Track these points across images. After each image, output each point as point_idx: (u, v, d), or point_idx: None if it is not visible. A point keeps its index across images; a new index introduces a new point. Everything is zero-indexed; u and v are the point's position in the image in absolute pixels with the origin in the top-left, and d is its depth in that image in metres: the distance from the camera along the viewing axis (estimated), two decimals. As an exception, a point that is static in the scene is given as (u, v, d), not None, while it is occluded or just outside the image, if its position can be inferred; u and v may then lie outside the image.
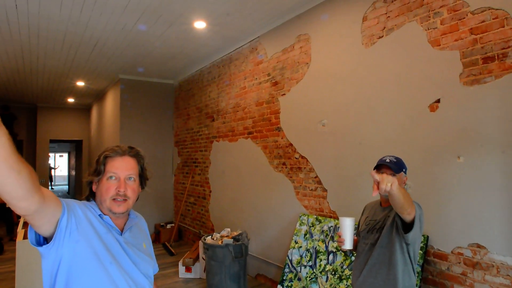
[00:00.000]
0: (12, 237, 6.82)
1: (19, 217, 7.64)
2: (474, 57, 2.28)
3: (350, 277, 2.84)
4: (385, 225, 1.79)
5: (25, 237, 3.81)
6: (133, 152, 1.29)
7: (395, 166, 1.80)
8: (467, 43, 2.32)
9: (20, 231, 4.08)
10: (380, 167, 1.83)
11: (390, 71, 2.84)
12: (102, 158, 1.24)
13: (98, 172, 1.23)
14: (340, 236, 1.80)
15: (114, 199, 1.20)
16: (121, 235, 1.24)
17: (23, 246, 3.54)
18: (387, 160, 1.83)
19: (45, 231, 1.03)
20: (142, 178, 1.31)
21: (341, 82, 3.28)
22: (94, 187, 1.26)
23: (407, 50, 2.70)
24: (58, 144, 16.42)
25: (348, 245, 1.78)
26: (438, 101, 2.50)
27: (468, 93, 2.32)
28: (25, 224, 4.61)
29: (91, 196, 1.29)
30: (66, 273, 1.06)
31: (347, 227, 1.78)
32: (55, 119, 10.18)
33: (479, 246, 2.23)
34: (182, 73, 6.42)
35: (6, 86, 7.30)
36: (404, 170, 1.84)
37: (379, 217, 1.88)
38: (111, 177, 1.22)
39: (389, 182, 1.40)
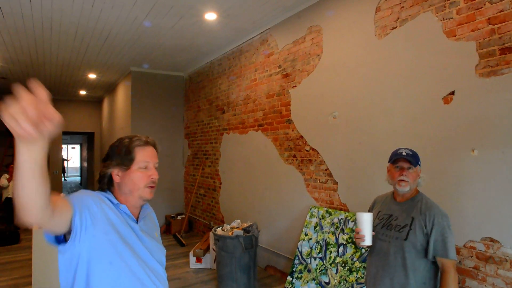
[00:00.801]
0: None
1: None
2: (491, 47, 2.23)
3: (360, 269, 2.85)
4: (410, 230, 1.67)
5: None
6: (152, 142, 1.31)
7: (412, 159, 1.74)
8: (484, 33, 2.26)
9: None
10: (397, 160, 1.77)
11: (403, 62, 2.79)
12: (131, 148, 1.23)
13: (129, 161, 1.22)
14: (358, 233, 1.72)
15: (147, 186, 1.23)
16: (137, 223, 1.25)
17: (39, 235, 3.64)
18: (404, 153, 1.76)
19: (60, 231, 1.03)
20: None
21: (353, 74, 3.24)
22: (117, 178, 1.23)
23: (421, 41, 2.65)
24: (71, 136, 16.69)
25: (368, 241, 1.70)
26: (452, 93, 2.46)
27: (484, 85, 2.27)
28: (41, 214, 4.72)
29: (108, 187, 1.27)
30: (86, 267, 1.08)
31: (367, 223, 1.70)
32: (68, 112, 10.33)
33: (492, 240, 2.21)
34: (192, 66, 6.43)
35: (20, 78, 7.42)
36: (419, 163, 1.79)
37: (396, 213, 1.77)
38: (144, 166, 1.23)
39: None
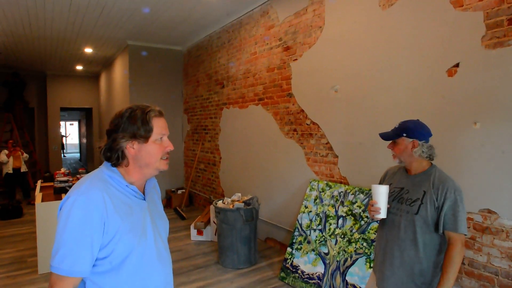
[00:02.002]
0: (30, 200, 7.08)
1: (35, 182, 7.89)
2: (499, 18, 2.18)
3: (359, 240, 2.91)
4: (422, 204, 1.63)
5: (43, 199, 3.96)
6: (163, 113, 1.27)
7: (391, 133, 1.76)
8: (493, 3, 2.20)
9: (37, 194, 4.23)
10: (382, 138, 1.82)
11: (407, 34, 2.74)
12: (149, 118, 1.16)
13: (148, 132, 1.15)
14: (373, 205, 1.67)
15: (162, 158, 1.20)
16: (145, 199, 1.23)
17: (42, 208, 3.68)
18: (380, 133, 1.82)
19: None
20: None
21: (355, 46, 3.19)
22: (132, 151, 1.15)
23: (427, 12, 2.59)
24: (68, 113, 16.57)
25: (383, 214, 1.67)
26: (457, 65, 2.42)
27: (489, 56, 2.24)
28: (42, 188, 4.76)
29: (118, 162, 1.16)
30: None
31: (382, 195, 1.65)
32: (65, 87, 10.20)
33: (489, 211, 2.25)
34: (191, 39, 6.30)
35: (14, 52, 7.27)
36: (404, 134, 1.70)
37: (408, 187, 1.72)
38: (161, 138, 1.19)
39: None
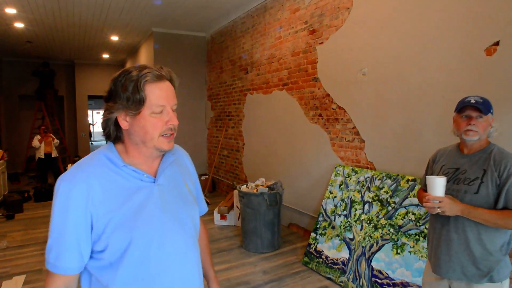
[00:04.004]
0: (61, 185, 7.35)
1: (65, 167, 8.20)
2: (545, -11, 2.03)
3: (386, 226, 2.85)
4: (482, 183, 1.51)
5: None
6: (168, 75, 1.00)
7: (482, 107, 1.52)
8: (539, -27, 2.05)
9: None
10: (464, 109, 1.56)
11: (441, 11, 2.60)
12: (140, 85, 0.92)
13: (138, 102, 0.92)
14: (429, 200, 1.51)
15: (163, 135, 0.96)
16: (155, 182, 1.00)
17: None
18: (472, 101, 1.54)
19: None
20: None
21: (385, 27, 3.07)
22: (125, 124, 0.95)
23: (465, -13, 2.44)
24: (95, 101, 17.06)
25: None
26: (497, 43, 2.29)
27: (533, 32, 2.10)
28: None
29: (117, 135, 0.99)
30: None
31: (440, 187, 1.50)
32: (92, 76, 10.46)
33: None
34: (214, 25, 6.28)
35: (45, 43, 7.51)
36: (491, 111, 1.55)
37: (465, 166, 1.60)
38: (159, 111, 0.94)
39: (440, 208, 1.47)
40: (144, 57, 7.47)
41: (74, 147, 10.54)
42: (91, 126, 19.03)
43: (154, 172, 1.01)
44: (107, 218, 0.91)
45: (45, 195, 6.30)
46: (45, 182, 7.13)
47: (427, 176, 1.57)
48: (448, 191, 1.57)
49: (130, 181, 0.96)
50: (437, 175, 1.67)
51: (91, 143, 18.05)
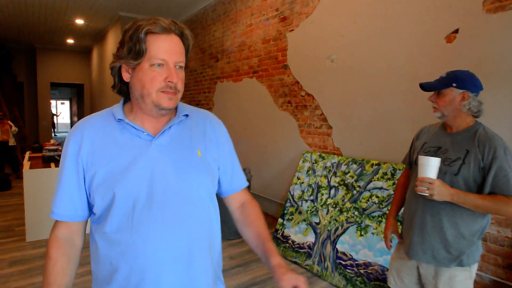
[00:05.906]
0: (19, 175, 6.96)
1: (24, 156, 7.76)
2: (501, -22, 2.12)
3: (351, 209, 2.91)
4: (464, 164, 1.43)
5: (31, 167, 3.88)
6: (179, 29, 0.92)
7: (436, 83, 1.48)
8: (495, -37, 2.14)
9: (26, 163, 4.15)
10: (424, 89, 1.54)
11: (405, 1, 2.67)
12: (142, 32, 0.87)
13: (138, 53, 0.88)
14: (422, 181, 1.40)
15: (163, 91, 0.90)
16: (152, 140, 0.93)
17: (30, 176, 3.61)
18: (423, 82, 1.54)
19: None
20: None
21: (353, 14, 3.11)
22: (126, 76, 0.92)
23: (428, -25, 2.52)
24: (59, 90, 16.26)
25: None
26: (456, 31, 2.38)
27: (490, 21, 2.19)
28: (31, 158, 4.67)
29: (121, 88, 0.97)
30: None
31: (434, 169, 1.41)
32: (55, 62, 9.96)
33: None
34: (184, 13, 6.14)
35: (0, 22, 7.02)
36: (454, 84, 1.46)
37: (447, 145, 1.51)
38: (157, 64, 0.88)
39: (429, 190, 1.37)
40: (111, 44, 7.19)
41: (35, 137, 10.01)
42: (55, 117, 18.16)
43: (158, 132, 0.95)
44: (93, 171, 0.90)
45: (2, 185, 5.92)
46: (1, 172, 6.72)
47: (419, 156, 1.48)
48: None
49: (126, 137, 0.93)
50: (418, 152, 1.60)
51: (54, 135, 17.23)
